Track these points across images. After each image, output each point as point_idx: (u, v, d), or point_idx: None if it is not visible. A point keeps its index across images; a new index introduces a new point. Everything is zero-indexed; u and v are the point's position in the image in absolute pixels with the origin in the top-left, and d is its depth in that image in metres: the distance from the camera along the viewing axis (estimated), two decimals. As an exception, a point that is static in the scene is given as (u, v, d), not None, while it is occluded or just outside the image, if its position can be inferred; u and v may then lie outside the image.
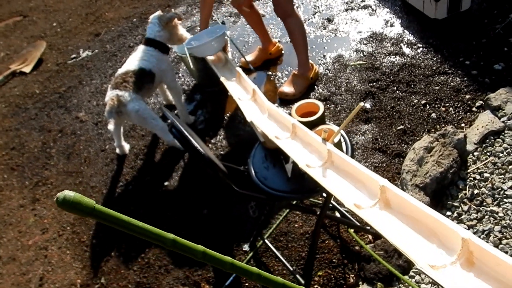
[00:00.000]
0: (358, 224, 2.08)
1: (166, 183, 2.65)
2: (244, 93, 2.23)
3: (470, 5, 3.18)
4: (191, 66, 3.00)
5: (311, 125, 1.62)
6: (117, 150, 2.92)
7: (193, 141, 1.29)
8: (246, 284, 2.06)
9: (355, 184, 1.22)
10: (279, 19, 2.93)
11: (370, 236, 2.06)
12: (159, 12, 2.75)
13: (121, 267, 2.29)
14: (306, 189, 1.59)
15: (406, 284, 1.81)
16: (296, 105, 1.70)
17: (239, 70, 2.38)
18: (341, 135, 1.67)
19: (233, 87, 2.30)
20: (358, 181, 1.21)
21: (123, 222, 0.64)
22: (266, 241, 2.16)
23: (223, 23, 3.18)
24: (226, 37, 2.71)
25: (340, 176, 1.28)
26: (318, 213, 1.76)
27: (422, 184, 1.98)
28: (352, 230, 2.07)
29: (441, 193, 2.05)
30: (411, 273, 1.85)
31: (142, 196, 2.63)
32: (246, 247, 2.21)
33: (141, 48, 2.68)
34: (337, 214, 2.15)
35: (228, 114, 3.01)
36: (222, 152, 2.71)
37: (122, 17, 4.61)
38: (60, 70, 4.04)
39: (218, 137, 2.85)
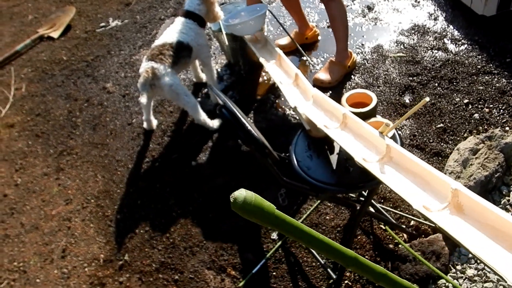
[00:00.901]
0: (394, 221, 2.01)
1: (193, 163, 2.60)
2: (285, 77, 2.16)
3: (521, 4, 3.04)
4: (227, 44, 2.91)
5: (362, 117, 1.54)
6: (145, 125, 2.87)
7: (247, 124, 1.22)
8: (274, 273, 2.02)
9: (417, 183, 1.15)
10: (316, 1, 2.81)
11: (405, 235, 2.00)
12: None
13: (146, 245, 2.25)
14: (352, 183, 1.52)
15: (443, 287, 1.75)
16: (347, 94, 1.62)
17: (280, 52, 2.30)
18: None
19: (274, 69, 2.23)
20: (422, 181, 1.14)
21: (304, 234, 0.56)
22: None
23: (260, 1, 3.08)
24: (266, 17, 2.62)
25: (401, 173, 1.21)
26: (359, 208, 1.70)
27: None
28: (388, 228, 2.01)
29: (484, 198, 1.96)
30: (448, 277, 1.78)
31: (169, 174, 2.58)
32: (274, 236, 2.16)
33: (179, 20, 2.60)
34: (371, 209, 2.09)
35: (259, 97, 2.93)
36: (253, 136, 2.64)
37: (153, -11, 4.51)
38: (88, 38, 3.98)
39: (249, 119, 2.78)
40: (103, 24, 4.11)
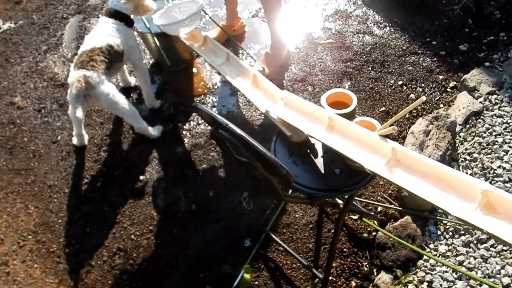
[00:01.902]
0: (365, 210, 2.06)
1: (142, 177, 2.39)
2: (241, 78, 2.06)
3: (428, -15, 3.27)
4: (157, 44, 2.70)
5: (345, 118, 1.53)
6: (74, 141, 2.57)
7: (258, 144, 1.13)
8: (256, 282, 1.96)
9: (436, 185, 1.16)
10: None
11: (376, 222, 2.06)
12: None
13: (108, 277, 2.04)
14: (343, 185, 1.50)
15: (422, 268, 1.84)
16: (326, 95, 1.58)
17: (228, 51, 2.18)
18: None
19: (227, 71, 2.11)
20: (440, 182, 1.16)
21: None
22: (271, 233, 2.06)
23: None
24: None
25: (414, 175, 1.21)
26: (342, 206, 1.70)
27: (427, 169, 2.00)
28: (364, 218, 2.05)
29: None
30: (425, 257, 1.88)
31: (116, 193, 2.35)
32: (247, 243, 2.09)
33: (104, 20, 2.33)
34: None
35: (197, 98, 2.78)
36: (201, 141, 2.51)
37: (45, -17, 4.01)
38: (-23, 46, 3.43)
39: (191, 123, 2.64)
40: (-7, 27, 3.57)
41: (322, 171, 1.57)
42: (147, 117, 2.67)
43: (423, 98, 1.26)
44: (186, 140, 2.55)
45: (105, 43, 2.24)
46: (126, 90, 2.88)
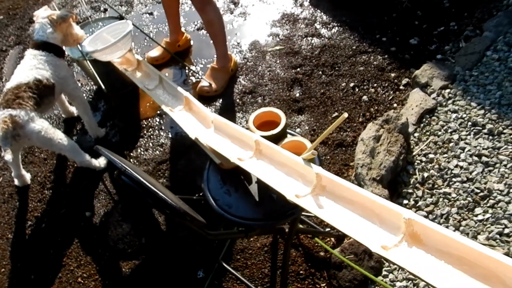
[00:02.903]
0: (320, 229, 1.95)
1: (87, 214, 2.25)
2: (174, 101, 1.93)
3: (375, -20, 3.18)
4: (91, 70, 2.56)
5: (274, 139, 1.42)
6: (16, 182, 2.42)
7: (158, 191, 1.01)
8: (211, 318, 1.83)
9: (361, 214, 1.05)
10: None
11: (333, 239, 1.95)
12: (45, 9, 2.26)
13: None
14: (280, 212, 1.39)
15: (381, 286, 1.74)
16: (252, 116, 1.47)
17: (161, 74, 2.06)
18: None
19: (159, 95, 1.98)
20: (364, 211, 1.05)
21: None
22: (223, 263, 1.94)
23: (121, 17, 2.78)
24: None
25: (339, 204, 1.10)
26: (288, 231, 1.59)
27: (378, 177, 1.90)
28: (317, 238, 1.94)
29: (395, 182, 2.00)
30: (384, 273, 1.78)
31: (61, 233, 2.21)
32: (200, 274, 1.97)
33: (30, 53, 2.18)
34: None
35: (144, 121, 2.65)
36: (150, 168, 2.38)
37: (-16, 14, 3.85)
38: None
39: (138, 149, 2.50)
40: None
41: (257, 198, 1.45)
42: (92, 147, 2.52)
43: (345, 115, 1.16)
44: (136, 166, 2.41)
45: (33, 77, 2.10)
46: (70, 121, 2.73)
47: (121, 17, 2.77)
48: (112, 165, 2.38)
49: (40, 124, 2.05)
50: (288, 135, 1.51)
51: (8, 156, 1.94)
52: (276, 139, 1.42)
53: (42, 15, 2.22)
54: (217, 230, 1.41)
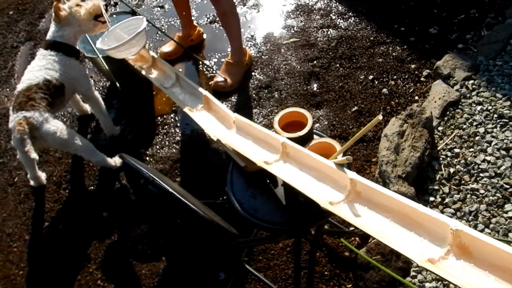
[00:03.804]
0: (344, 228, 1.91)
1: (105, 214, 2.23)
2: (192, 100, 1.88)
3: (391, -33, 3.08)
4: (105, 67, 2.51)
5: (300, 141, 1.36)
6: (32, 183, 2.39)
7: (192, 206, 0.96)
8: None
9: (400, 222, 1.00)
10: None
11: (358, 239, 1.91)
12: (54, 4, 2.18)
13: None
14: (309, 216, 1.34)
15: (410, 287, 1.69)
16: (278, 116, 1.42)
17: (177, 71, 2.01)
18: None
19: (177, 94, 1.93)
20: (403, 218, 1.00)
21: None
22: (245, 264, 1.90)
23: (133, 12, 2.72)
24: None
25: (376, 211, 1.05)
26: (314, 234, 1.54)
27: (404, 174, 1.85)
28: (342, 238, 1.90)
29: (421, 178, 1.95)
30: (412, 273, 1.73)
31: (78, 234, 2.18)
32: (222, 276, 1.94)
33: (40, 53, 2.14)
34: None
35: (159, 118, 2.61)
36: (166, 167, 2.34)
37: (-7, 10, 3.80)
38: None
39: (154, 147, 2.46)
40: None
41: (284, 201, 1.40)
42: (108, 146, 2.49)
43: (380, 117, 1.10)
44: (150, 166, 2.37)
45: (42, 78, 2.05)
46: (84, 119, 2.70)
47: (133, 12, 2.72)
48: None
49: (55, 125, 2.02)
50: (315, 136, 1.46)
51: (33, 154, 1.89)
52: (303, 140, 1.37)
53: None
54: (238, 231, 1.37)
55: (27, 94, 2.00)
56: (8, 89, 3.03)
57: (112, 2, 3.52)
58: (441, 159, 2.02)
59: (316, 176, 1.23)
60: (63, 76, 2.13)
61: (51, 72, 2.08)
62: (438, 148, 2.06)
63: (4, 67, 3.20)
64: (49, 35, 2.15)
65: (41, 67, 2.09)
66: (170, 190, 0.98)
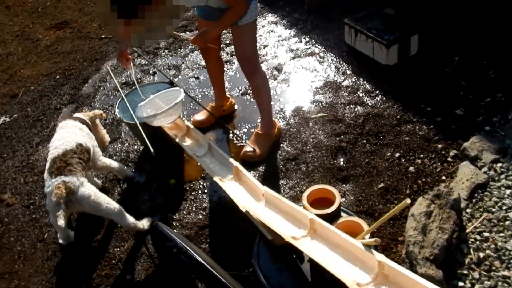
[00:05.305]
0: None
1: (128, 277, 2.24)
2: (222, 170, 1.95)
3: (417, 49, 3.22)
4: (142, 133, 2.64)
5: (329, 218, 1.39)
6: (61, 241, 2.44)
7: (224, 280, 0.99)
8: None
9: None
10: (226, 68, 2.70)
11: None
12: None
13: None
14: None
15: None
16: (306, 192, 1.46)
17: (210, 142, 2.10)
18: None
19: (208, 163, 2.01)
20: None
21: None
22: None
23: (171, 83, 2.90)
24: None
25: (404, 297, 1.05)
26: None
27: (432, 256, 1.82)
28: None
29: (449, 261, 1.91)
30: None
31: (101, 297, 2.19)
32: None
33: (67, 122, 2.36)
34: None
35: (188, 184, 2.68)
36: (192, 233, 2.37)
37: (42, 74, 4.09)
38: (-29, 142, 3.43)
39: (181, 212, 2.51)
40: (-13, 123, 3.59)
41: (309, 278, 1.41)
42: (137, 208, 2.55)
43: (408, 201, 1.13)
44: (176, 231, 2.41)
45: (75, 142, 2.22)
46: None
47: (171, 82, 2.90)
48: (155, 227, 2.40)
49: (90, 189, 2.12)
50: (343, 213, 1.49)
51: (61, 221, 1.99)
52: (331, 217, 1.40)
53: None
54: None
55: (64, 159, 2.13)
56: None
57: (151, 71, 3.76)
58: (470, 242, 1.99)
59: (343, 255, 1.25)
60: (88, 143, 2.33)
61: (80, 138, 2.28)
62: (467, 231, 2.03)
63: (46, 126, 3.40)
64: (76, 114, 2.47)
65: (70, 134, 2.29)
66: (202, 262, 1.01)
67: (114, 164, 2.57)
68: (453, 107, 2.77)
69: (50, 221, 2.22)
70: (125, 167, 2.71)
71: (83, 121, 2.44)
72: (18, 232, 2.63)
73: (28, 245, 2.54)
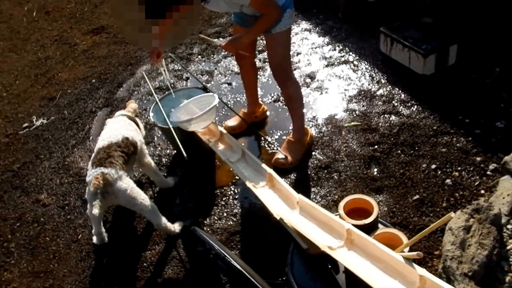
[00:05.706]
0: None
1: (159, 280, 2.26)
2: (256, 177, 1.95)
3: (456, 59, 3.15)
4: (176, 137, 2.67)
5: (366, 228, 1.36)
6: (94, 240, 2.49)
7: (260, 286, 0.98)
8: None
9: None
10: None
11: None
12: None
13: None
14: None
15: None
16: (343, 202, 1.44)
17: (244, 148, 2.10)
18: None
19: (241, 169, 2.01)
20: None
21: None
22: None
23: (205, 88, 2.92)
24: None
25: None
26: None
27: (470, 273, 1.76)
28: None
29: (489, 279, 1.84)
30: None
31: (132, 299, 2.21)
32: None
33: (119, 114, 2.42)
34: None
35: (219, 189, 2.68)
36: (223, 238, 2.37)
37: (78, 78, 4.20)
38: (11, 143, 3.54)
39: (212, 217, 2.52)
40: (26, 124, 3.70)
41: (344, 289, 1.38)
42: (169, 212, 2.57)
43: (452, 214, 1.09)
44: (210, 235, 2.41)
45: (121, 136, 2.27)
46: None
47: (205, 88, 2.92)
48: (186, 231, 2.41)
49: (127, 183, 2.17)
50: (380, 225, 1.46)
51: (95, 210, 2.04)
52: (368, 228, 1.37)
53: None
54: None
55: (107, 151, 2.20)
56: (82, 150, 3.26)
57: (184, 77, 3.81)
58: (511, 259, 1.92)
59: (382, 267, 1.22)
60: (136, 137, 2.39)
61: (128, 132, 2.33)
62: (508, 248, 1.95)
63: (81, 129, 3.48)
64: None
65: (120, 127, 2.35)
66: (240, 268, 1.00)
67: (156, 169, 2.63)
68: (494, 119, 2.68)
69: (88, 212, 2.27)
70: (166, 178, 2.75)
71: (131, 118, 2.52)
72: (54, 232, 2.69)
73: (63, 245, 2.59)
